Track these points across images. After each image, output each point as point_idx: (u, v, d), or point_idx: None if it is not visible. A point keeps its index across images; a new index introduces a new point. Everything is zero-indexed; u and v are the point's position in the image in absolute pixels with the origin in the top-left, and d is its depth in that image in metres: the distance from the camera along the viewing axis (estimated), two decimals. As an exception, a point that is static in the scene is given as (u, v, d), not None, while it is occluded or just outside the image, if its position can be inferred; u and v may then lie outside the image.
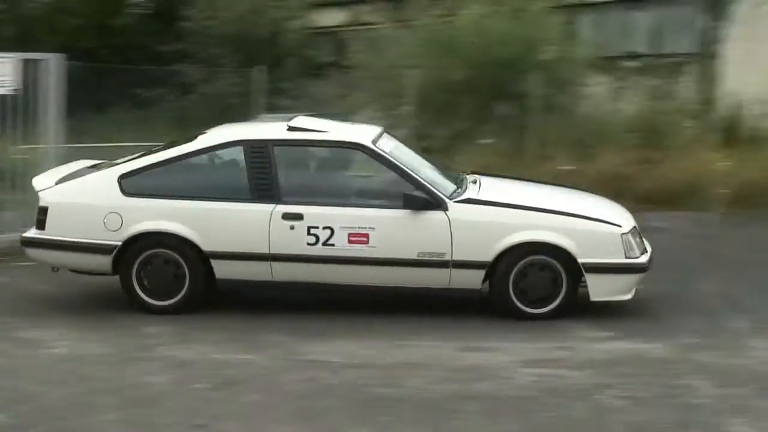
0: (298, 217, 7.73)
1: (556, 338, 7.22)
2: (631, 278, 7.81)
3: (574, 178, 11.83)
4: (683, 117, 15.84)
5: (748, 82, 16.90)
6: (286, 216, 7.73)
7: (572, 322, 7.60)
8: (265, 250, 7.73)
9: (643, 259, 7.86)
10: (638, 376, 6.37)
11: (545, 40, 15.16)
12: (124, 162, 8.18)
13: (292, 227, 7.71)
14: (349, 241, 7.71)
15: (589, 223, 7.82)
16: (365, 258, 7.71)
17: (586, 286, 7.74)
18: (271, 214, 7.74)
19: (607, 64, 16.91)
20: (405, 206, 7.70)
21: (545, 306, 7.73)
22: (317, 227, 7.70)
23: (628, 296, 7.81)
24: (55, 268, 8.29)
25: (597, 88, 16.06)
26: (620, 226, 7.84)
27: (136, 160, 8.11)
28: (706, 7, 17.90)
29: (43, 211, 7.94)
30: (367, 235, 7.70)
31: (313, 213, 7.74)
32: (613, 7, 19.01)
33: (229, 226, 7.77)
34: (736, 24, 17.75)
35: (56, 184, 8.14)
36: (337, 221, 7.72)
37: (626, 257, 7.73)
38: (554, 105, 14.79)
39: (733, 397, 6.01)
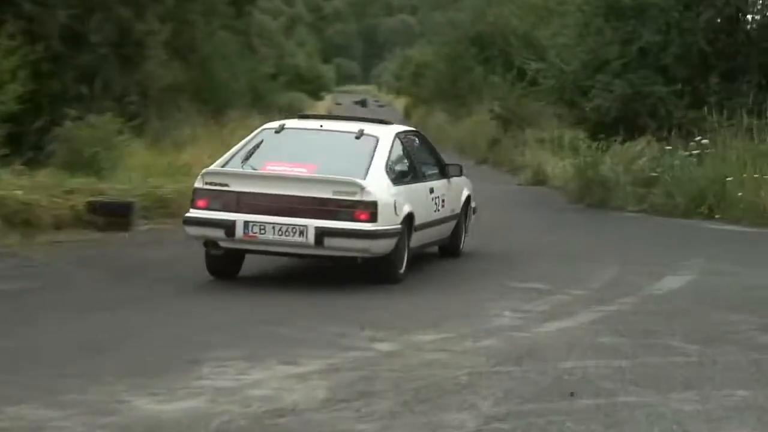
0: (433, 190, 10.42)
1: None
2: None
3: None
4: None
5: None
6: (431, 190, 10.36)
7: None
8: (426, 220, 10.12)
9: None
10: None
11: None
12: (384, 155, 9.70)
13: (432, 198, 10.40)
14: (442, 206, 10.63)
15: (470, 183, 12.00)
16: (445, 217, 10.83)
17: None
18: (427, 190, 10.31)
19: None
20: (449, 176, 10.98)
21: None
22: (438, 197, 10.55)
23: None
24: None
25: None
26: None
27: (381, 155, 9.66)
28: None
29: (374, 205, 9.17)
30: (444, 200, 10.73)
31: (436, 186, 10.59)
32: None
33: (417, 202, 9.95)
34: None
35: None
36: (440, 191, 10.65)
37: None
38: None
39: None
